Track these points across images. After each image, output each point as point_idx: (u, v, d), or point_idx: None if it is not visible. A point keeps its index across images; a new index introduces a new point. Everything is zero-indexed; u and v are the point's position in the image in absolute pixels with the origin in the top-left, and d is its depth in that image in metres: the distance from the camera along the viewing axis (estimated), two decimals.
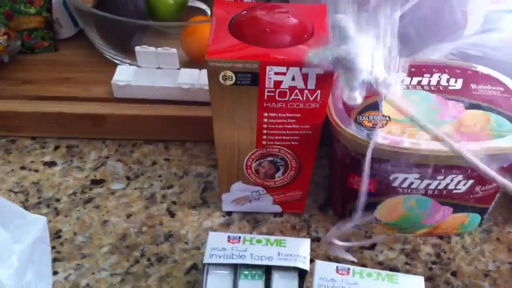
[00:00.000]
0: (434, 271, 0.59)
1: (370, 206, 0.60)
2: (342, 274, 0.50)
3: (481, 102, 0.58)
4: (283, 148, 0.58)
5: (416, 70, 0.62)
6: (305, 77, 0.52)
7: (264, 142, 0.57)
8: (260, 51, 0.53)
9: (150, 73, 0.74)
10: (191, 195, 0.67)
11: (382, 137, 0.54)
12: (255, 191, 0.62)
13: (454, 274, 0.59)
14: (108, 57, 0.80)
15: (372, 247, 0.61)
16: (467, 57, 0.71)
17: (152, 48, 0.73)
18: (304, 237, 0.62)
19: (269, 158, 0.59)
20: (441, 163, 0.54)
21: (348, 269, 0.50)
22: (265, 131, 0.56)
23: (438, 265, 0.60)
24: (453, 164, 0.55)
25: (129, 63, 0.77)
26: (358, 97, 0.49)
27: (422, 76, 0.61)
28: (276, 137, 0.57)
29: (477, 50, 0.71)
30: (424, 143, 0.54)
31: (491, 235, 0.63)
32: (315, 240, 0.62)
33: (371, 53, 0.49)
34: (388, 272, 0.50)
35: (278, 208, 0.64)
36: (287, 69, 0.52)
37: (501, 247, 0.62)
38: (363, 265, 0.59)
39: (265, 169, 0.60)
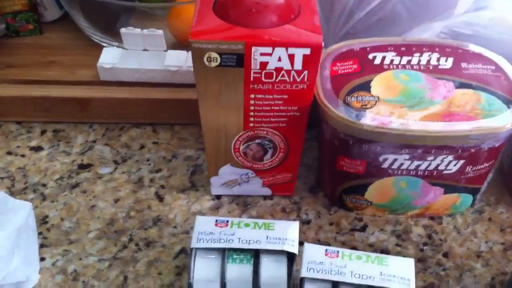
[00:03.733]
0: (426, 252, 0.59)
1: (361, 188, 0.59)
2: (331, 257, 0.49)
3: (472, 81, 0.57)
4: (271, 130, 0.57)
5: (406, 50, 0.61)
6: (291, 58, 0.51)
7: (251, 124, 0.56)
8: (245, 31, 0.51)
9: (136, 55, 0.73)
10: (179, 179, 0.66)
11: (370, 118, 0.53)
12: (244, 174, 0.61)
13: (445, 255, 0.58)
14: (94, 39, 0.78)
15: (363, 229, 0.61)
16: (458, 35, 0.70)
17: (138, 30, 0.72)
18: (294, 219, 0.61)
19: (257, 141, 0.58)
20: (431, 143, 0.54)
21: (338, 251, 0.50)
22: (252, 113, 0.55)
23: (430, 246, 0.59)
24: (443, 144, 0.54)
25: (116, 46, 0.76)
26: None
27: (412, 55, 0.60)
28: (263, 119, 0.56)
29: (468, 29, 0.70)
30: (413, 124, 0.53)
31: (483, 216, 0.62)
32: (305, 223, 0.61)
33: None
34: (377, 254, 0.50)
35: (267, 191, 0.63)
36: (273, 50, 0.51)
37: (494, 227, 0.61)
38: (354, 247, 0.59)
39: (253, 151, 0.59)
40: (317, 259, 0.49)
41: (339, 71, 0.58)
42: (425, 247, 0.59)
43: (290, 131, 0.57)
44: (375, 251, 0.58)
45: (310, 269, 0.48)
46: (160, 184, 0.65)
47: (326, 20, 0.74)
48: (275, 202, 0.63)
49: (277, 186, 0.63)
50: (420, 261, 0.58)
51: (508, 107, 0.54)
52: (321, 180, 0.65)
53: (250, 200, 0.63)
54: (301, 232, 0.60)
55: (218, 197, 0.64)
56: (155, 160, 0.68)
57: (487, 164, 0.57)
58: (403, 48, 0.61)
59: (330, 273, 0.48)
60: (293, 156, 0.60)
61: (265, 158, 0.59)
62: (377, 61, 0.59)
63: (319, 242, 0.59)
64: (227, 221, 0.52)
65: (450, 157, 0.55)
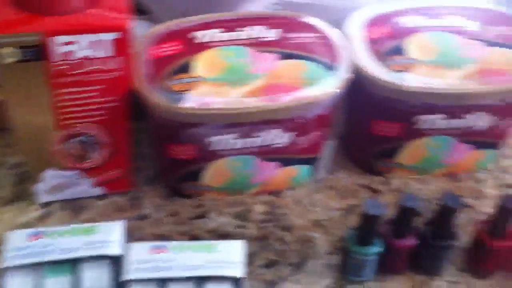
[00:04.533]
0: (267, 229, 0.57)
1: (196, 173, 0.57)
2: (158, 253, 0.47)
3: (297, 51, 0.56)
4: (90, 125, 0.53)
5: (233, 25, 0.59)
6: (98, 44, 0.48)
7: (67, 122, 0.52)
8: (44, 20, 0.47)
9: None
10: (5, 190, 0.60)
11: (191, 100, 0.51)
12: (71, 176, 0.57)
13: (286, 229, 0.58)
14: None
15: (204, 215, 0.59)
16: (292, 5, 0.68)
17: None
18: (132, 217, 0.58)
19: (78, 138, 0.54)
20: (255, 119, 0.52)
21: (165, 246, 0.47)
22: (65, 110, 0.51)
23: (271, 223, 0.58)
24: (267, 118, 0.53)
25: None
26: None
27: (239, 30, 0.58)
28: (80, 115, 0.52)
29: None
30: (235, 101, 0.51)
31: (324, 184, 0.62)
32: (143, 218, 0.58)
33: None
34: (208, 242, 0.48)
35: (101, 190, 0.59)
36: (76, 38, 0.47)
37: (334, 194, 0.62)
38: (194, 236, 0.56)
39: (76, 150, 0.55)
40: (143, 257, 0.46)
41: (161, 54, 0.55)
42: (266, 224, 0.58)
43: (113, 124, 0.54)
44: (216, 235, 0.56)
45: (136, 269, 0.46)
46: None
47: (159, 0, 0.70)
48: (111, 201, 0.59)
49: (110, 183, 0.59)
50: (261, 239, 0.57)
51: (331, 73, 0.54)
52: (159, 170, 0.63)
53: (84, 203, 0.59)
54: (139, 228, 0.57)
55: (48, 204, 0.59)
56: None
57: (319, 133, 0.57)
58: (230, 24, 0.59)
59: (157, 271, 0.46)
60: (121, 150, 0.56)
61: (90, 156, 0.55)
62: (202, 39, 0.57)
63: (158, 236, 0.56)
64: (44, 232, 0.48)
65: (278, 131, 0.54)
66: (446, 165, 0.62)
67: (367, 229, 0.51)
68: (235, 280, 0.47)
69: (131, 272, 0.46)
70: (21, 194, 0.60)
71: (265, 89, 0.52)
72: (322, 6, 0.68)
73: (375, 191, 0.62)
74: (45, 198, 0.58)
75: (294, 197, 0.61)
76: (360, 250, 0.51)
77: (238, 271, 0.47)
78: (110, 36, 0.48)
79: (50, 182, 0.57)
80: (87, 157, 0.55)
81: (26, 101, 0.50)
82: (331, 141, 0.65)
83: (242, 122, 0.52)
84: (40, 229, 0.48)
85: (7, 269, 0.45)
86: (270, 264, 0.55)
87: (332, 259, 0.56)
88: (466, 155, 0.61)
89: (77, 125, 0.52)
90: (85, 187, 0.58)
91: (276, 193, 0.61)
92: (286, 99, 0.52)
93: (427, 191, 0.61)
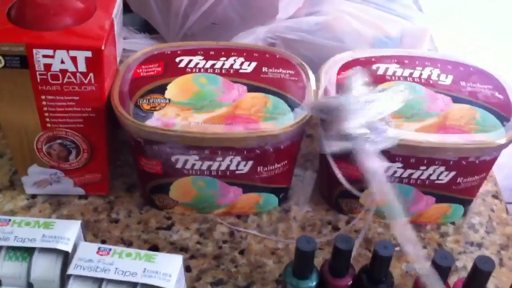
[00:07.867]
0: (223, 249, 0.61)
1: (163, 187, 0.61)
2: (101, 255, 0.51)
3: (265, 85, 0.59)
4: (70, 130, 0.58)
5: (214, 54, 0.63)
6: (74, 60, 0.53)
7: (48, 125, 0.58)
8: (30, 34, 0.53)
9: None
10: (0, 179, 0.67)
11: (155, 119, 0.55)
12: (53, 174, 0.62)
13: (242, 252, 0.60)
14: None
15: (169, 227, 0.63)
16: (284, 40, 0.72)
17: None
18: (104, 218, 0.63)
19: (59, 141, 0.59)
20: (212, 144, 0.56)
21: (109, 249, 0.51)
22: (47, 114, 0.57)
23: (229, 244, 0.61)
24: (225, 145, 0.56)
25: None
26: (333, 146, 0.52)
27: (218, 59, 0.62)
28: (59, 120, 0.57)
29: (293, 34, 0.72)
30: (194, 126, 0.55)
31: (289, 214, 0.65)
32: (113, 222, 0.63)
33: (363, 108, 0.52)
34: (147, 252, 0.51)
35: (80, 191, 0.64)
36: (54, 52, 0.52)
37: (296, 225, 0.64)
38: (155, 245, 0.60)
39: (57, 151, 0.60)
40: (87, 257, 0.51)
41: (142, 74, 0.60)
42: (224, 245, 0.61)
43: (90, 132, 0.59)
44: (174, 248, 0.60)
45: (77, 266, 0.50)
46: None
47: (165, 22, 0.76)
48: (89, 202, 0.65)
49: (89, 185, 0.64)
50: (216, 258, 0.60)
51: (293, 111, 0.57)
52: (136, 180, 0.67)
53: (65, 200, 0.65)
54: (106, 231, 0.61)
55: (34, 196, 0.65)
56: None
57: (279, 165, 0.59)
58: (212, 52, 0.63)
59: (95, 270, 0.49)
60: (99, 156, 0.61)
61: (70, 158, 0.61)
62: (182, 64, 0.61)
63: (122, 240, 0.61)
64: (8, 220, 0.53)
65: (238, 158, 0.57)
66: (412, 213, 0.62)
67: (302, 263, 0.52)
68: None
69: (72, 268, 0.50)
70: (12, 183, 0.66)
71: (226, 118, 0.56)
72: (317, 45, 0.70)
73: (336, 228, 0.63)
74: (31, 191, 0.64)
75: (258, 222, 0.64)
76: (295, 283, 0.53)
77: (170, 283, 0.50)
78: (84, 54, 0.53)
79: (34, 177, 0.63)
80: (67, 159, 0.61)
81: (12, 103, 0.56)
82: (306, 174, 0.67)
83: (202, 146, 0.56)
84: (8, 217, 0.53)
85: None
86: (217, 283, 0.58)
87: None
88: (429, 207, 0.61)
89: (59, 129, 0.58)
90: (67, 186, 0.64)
91: (242, 216, 0.64)
92: (241, 129, 0.55)
93: (388, 236, 0.62)
